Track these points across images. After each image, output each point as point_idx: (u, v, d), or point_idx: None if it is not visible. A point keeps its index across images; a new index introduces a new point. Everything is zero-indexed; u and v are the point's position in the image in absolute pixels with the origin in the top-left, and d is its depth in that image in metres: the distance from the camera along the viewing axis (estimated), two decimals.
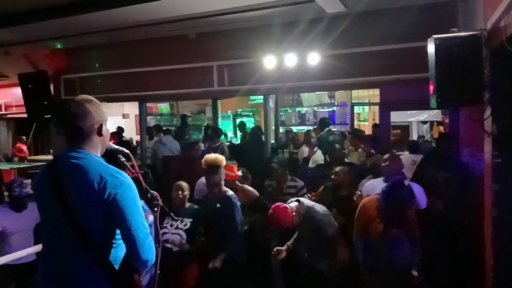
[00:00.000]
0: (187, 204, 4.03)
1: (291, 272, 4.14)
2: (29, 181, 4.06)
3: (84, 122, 1.90)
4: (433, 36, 3.17)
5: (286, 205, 3.64)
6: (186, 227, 3.84)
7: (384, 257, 3.34)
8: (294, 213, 3.62)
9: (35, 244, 4.06)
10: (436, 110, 9.27)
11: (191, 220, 3.88)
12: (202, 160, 3.96)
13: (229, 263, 3.64)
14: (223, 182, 3.91)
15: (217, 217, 3.79)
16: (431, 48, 3.19)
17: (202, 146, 6.89)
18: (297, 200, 3.77)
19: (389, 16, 4.92)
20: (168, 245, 3.77)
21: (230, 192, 3.92)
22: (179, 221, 3.86)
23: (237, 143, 9.06)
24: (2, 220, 3.97)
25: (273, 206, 3.66)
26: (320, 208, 3.76)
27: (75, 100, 1.95)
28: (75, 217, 1.84)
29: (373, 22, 5.04)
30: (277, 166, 4.78)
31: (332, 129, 7.17)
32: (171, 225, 3.84)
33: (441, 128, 10.00)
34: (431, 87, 3.23)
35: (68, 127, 1.93)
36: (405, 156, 5.18)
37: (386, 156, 4.18)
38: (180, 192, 3.96)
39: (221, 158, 3.90)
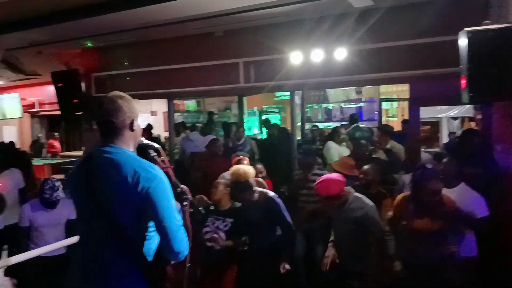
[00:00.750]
0: (230, 203, 3.88)
1: (313, 270, 4.11)
2: (60, 183, 4.15)
3: (117, 118, 1.96)
4: (465, 29, 3.09)
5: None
6: (227, 228, 3.74)
7: (420, 252, 3.24)
8: (343, 193, 3.47)
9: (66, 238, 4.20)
10: (468, 106, 8.99)
11: (232, 220, 3.76)
12: (230, 174, 3.80)
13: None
14: (256, 194, 3.76)
15: (263, 219, 3.69)
16: (463, 41, 3.12)
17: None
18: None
19: (418, 9, 4.82)
20: (210, 244, 3.72)
21: (271, 193, 3.82)
22: (221, 220, 3.78)
23: (262, 138, 9.08)
24: (32, 215, 4.09)
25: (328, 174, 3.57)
26: (369, 201, 3.55)
27: (108, 97, 2.01)
28: (109, 211, 1.89)
29: (401, 16, 4.94)
30: (302, 157, 4.77)
31: (360, 125, 7.10)
32: (213, 224, 3.78)
33: (473, 124, 9.71)
34: (463, 82, 3.15)
35: (102, 122, 1.99)
36: None
37: (445, 160, 4.02)
38: (214, 190, 3.86)
39: (244, 172, 3.68)
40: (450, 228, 3.26)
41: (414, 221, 3.26)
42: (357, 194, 3.60)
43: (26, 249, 4.04)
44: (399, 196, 3.54)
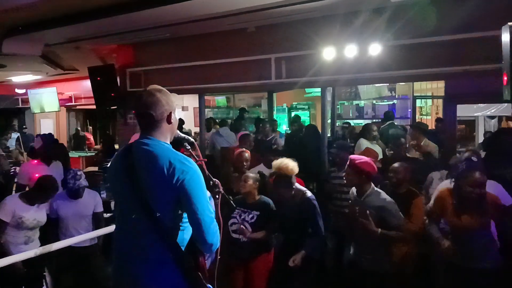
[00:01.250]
0: (257, 197, 3.90)
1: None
2: (81, 172, 4.26)
3: (155, 110, 2.00)
4: (509, 23, 2.99)
5: None
6: (253, 220, 3.78)
7: (459, 251, 3.15)
8: (370, 176, 3.44)
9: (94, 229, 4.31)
10: (506, 104, 8.71)
11: (258, 213, 3.80)
12: (275, 166, 3.76)
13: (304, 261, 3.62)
14: (293, 192, 3.78)
15: (295, 217, 3.71)
16: (506, 36, 3.02)
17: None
18: None
19: (457, 3, 4.68)
20: (236, 236, 3.78)
21: (309, 193, 3.81)
22: (247, 213, 3.82)
23: (287, 133, 9.04)
24: (58, 205, 4.19)
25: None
26: (387, 196, 3.50)
27: (147, 90, 2.06)
28: (145, 201, 1.94)
29: (439, 10, 4.80)
30: (336, 151, 4.74)
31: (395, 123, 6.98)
32: (240, 216, 3.82)
33: (510, 123, 9.40)
34: (505, 78, 3.05)
35: (141, 115, 2.04)
36: None
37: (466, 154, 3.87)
38: (244, 183, 3.88)
39: (291, 167, 3.67)
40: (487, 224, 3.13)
41: (457, 216, 3.17)
42: (377, 189, 3.55)
43: (57, 239, 4.14)
44: (443, 189, 3.44)
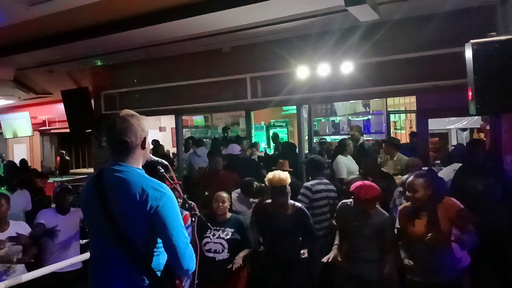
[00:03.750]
0: (228, 214, 4.09)
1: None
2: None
3: (130, 137, 1.97)
4: (471, 41, 3.11)
5: None
6: (228, 236, 3.90)
7: (424, 266, 3.18)
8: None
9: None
10: (477, 117, 8.96)
11: (233, 230, 3.94)
12: (266, 180, 3.96)
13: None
14: (289, 200, 3.92)
15: (292, 227, 3.85)
16: (469, 53, 3.13)
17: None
18: None
19: (424, 22, 4.84)
20: (211, 255, 3.85)
21: (298, 204, 4.00)
22: (221, 231, 3.94)
23: (270, 153, 9.10)
24: (47, 219, 4.12)
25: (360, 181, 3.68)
26: (382, 210, 3.68)
27: (120, 116, 2.01)
28: (119, 228, 1.91)
29: (407, 29, 4.98)
30: (304, 160, 4.81)
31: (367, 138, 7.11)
32: (213, 235, 3.92)
33: (481, 135, 9.65)
34: (470, 93, 3.16)
35: (115, 142, 2.00)
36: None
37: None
38: (221, 204, 4.01)
39: (284, 177, 3.86)
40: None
41: (410, 221, 3.27)
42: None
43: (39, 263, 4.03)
44: (402, 206, 3.53)
